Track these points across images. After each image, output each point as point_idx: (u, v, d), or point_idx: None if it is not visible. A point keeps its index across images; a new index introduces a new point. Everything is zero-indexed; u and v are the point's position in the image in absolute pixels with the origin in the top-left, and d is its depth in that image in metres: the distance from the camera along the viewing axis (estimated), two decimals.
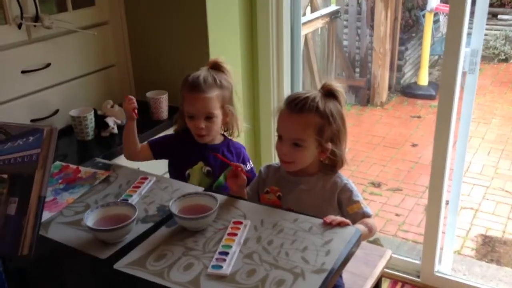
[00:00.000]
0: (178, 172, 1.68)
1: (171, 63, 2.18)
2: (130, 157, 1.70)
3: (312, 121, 1.37)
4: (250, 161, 1.71)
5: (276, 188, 1.47)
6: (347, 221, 1.27)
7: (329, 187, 1.42)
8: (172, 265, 1.15)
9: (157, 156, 1.70)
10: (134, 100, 1.61)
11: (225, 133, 1.71)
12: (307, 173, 1.45)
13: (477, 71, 2.09)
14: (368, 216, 1.39)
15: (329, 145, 1.40)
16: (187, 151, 1.67)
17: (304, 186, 1.44)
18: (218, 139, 1.69)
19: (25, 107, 1.83)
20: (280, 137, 1.42)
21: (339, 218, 1.27)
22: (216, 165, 1.65)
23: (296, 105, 1.38)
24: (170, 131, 1.84)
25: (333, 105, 1.40)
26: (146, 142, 1.71)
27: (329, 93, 1.41)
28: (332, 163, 1.44)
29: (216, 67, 1.64)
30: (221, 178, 1.63)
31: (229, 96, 1.64)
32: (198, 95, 1.57)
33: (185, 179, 1.65)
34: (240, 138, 2.39)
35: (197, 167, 1.66)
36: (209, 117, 1.59)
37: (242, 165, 1.48)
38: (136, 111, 1.62)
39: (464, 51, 1.95)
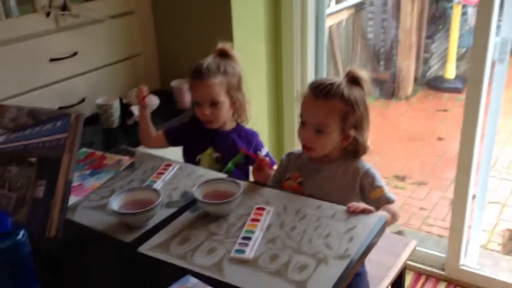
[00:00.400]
0: (189, 157, 1.70)
1: (196, 52, 2.16)
2: (145, 143, 1.73)
3: (336, 107, 1.36)
4: (264, 147, 1.71)
5: (297, 174, 1.47)
6: (371, 207, 1.26)
7: (351, 173, 1.42)
8: (196, 249, 1.16)
9: (171, 143, 1.73)
10: (145, 89, 1.65)
11: (237, 120, 1.72)
12: (329, 159, 1.44)
13: (507, 61, 2.04)
14: (391, 201, 1.38)
15: (352, 132, 1.40)
16: (198, 137, 1.69)
17: (325, 172, 1.44)
18: (229, 125, 1.69)
19: (53, 94, 1.87)
20: (303, 123, 1.42)
21: (362, 205, 1.26)
22: (226, 151, 1.66)
23: (322, 91, 1.37)
24: None
25: (357, 92, 1.39)
26: (161, 130, 1.73)
27: (353, 80, 1.40)
28: (354, 150, 1.44)
29: (223, 54, 1.65)
30: (230, 165, 1.63)
31: (236, 83, 1.64)
32: (201, 81, 1.60)
33: (196, 164, 1.66)
34: (264, 126, 2.41)
35: (207, 153, 1.68)
36: (214, 104, 1.61)
37: (265, 158, 1.47)
38: (146, 99, 1.64)
39: (494, 40, 1.90)
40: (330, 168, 1.44)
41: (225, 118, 1.66)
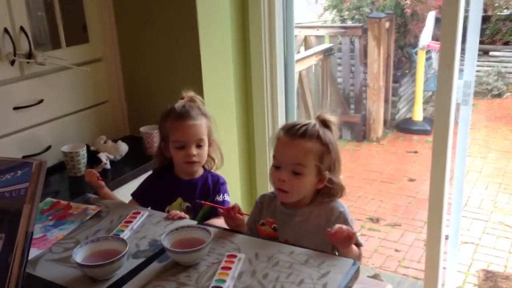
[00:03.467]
0: (157, 209, 1.63)
1: (165, 98, 2.15)
2: None
3: (314, 147, 1.36)
4: (226, 194, 1.66)
5: (271, 220, 1.43)
6: (353, 231, 1.25)
7: (324, 216, 1.40)
8: None
9: (145, 205, 1.64)
10: (93, 171, 1.61)
11: (205, 165, 1.69)
12: (302, 203, 1.42)
13: (471, 103, 2.10)
14: (361, 245, 1.37)
15: (327, 174, 1.39)
16: (165, 187, 1.64)
17: (299, 217, 1.41)
18: (198, 173, 1.66)
19: (17, 143, 1.82)
20: (277, 166, 1.39)
21: (345, 231, 1.25)
22: (193, 201, 1.60)
23: (298, 131, 1.37)
24: None
25: (330, 135, 1.40)
26: (131, 197, 1.68)
27: (324, 124, 1.41)
28: (328, 192, 1.42)
29: (193, 100, 1.66)
30: (199, 216, 1.59)
31: (211, 126, 1.65)
32: (187, 122, 1.57)
33: None
34: (236, 171, 2.38)
35: (176, 203, 1.62)
36: (200, 145, 1.59)
37: (237, 205, 1.43)
38: (99, 178, 1.60)
39: (457, 83, 1.96)
40: (304, 212, 1.41)
41: (204, 159, 1.64)
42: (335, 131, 1.43)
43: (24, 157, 1.82)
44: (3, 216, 1.15)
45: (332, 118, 1.43)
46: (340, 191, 1.42)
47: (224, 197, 1.64)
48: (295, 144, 1.37)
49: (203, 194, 1.62)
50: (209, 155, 1.67)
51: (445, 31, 1.86)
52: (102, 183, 1.61)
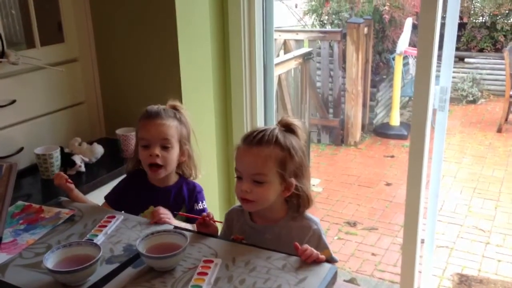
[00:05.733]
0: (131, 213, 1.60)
1: (142, 100, 2.11)
2: None
3: (272, 154, 1.29)
4: (203, 202, 1.62)
5: (240, 237, 1.37)
6: (323, 257, 1.22)
7: (296, 235, 1.33)
8: None
9: (118, 209, 1.59)
10: (62, 173, 1.57)
11: (183, 174, 1.64)
12: (272, 219, 1.36)
13: (447, 109, 2.13)
14: (335, 262, 1.32)
15: (293, 180, 1.32)
16: (138, 194, 1.60)
17: (268, 235, 1.35)
18: (172, 180, 1.61)
19: None
20: (239, 177, 1.33)
21: (315, 255, 1.22)
22: (167, 208, 1.53)
23: (254, 138, 1.31)
24: None
25: (293, 139, 1.33)
26: (104, 200, 1.64)
27: (287, 128, 1.35)
28: (299, 203, 1.35)
29: (175, 108, 1.61)
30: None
31: (187, 135, 1.60)
32: (155, 121, 1.53)
33: None
34: (214, 177, 2.36)
35: (148, 211, 1.57)
36: (165, 146, 1.53)
37: (210, 213, 1.40)
38: (68, 180, 1.56)
39: (433, 89, 1.98)
40: (272, 229, 1.35)
41: (172, 168, 1.57)
42: (301, 135, 1.36)
43: None
44: None
45: (296, 122, 1.36)
46: (307, 200, 1.35)
47: (204, 205, 1.61)
48: (252, 152, 1.30)
49: (177, 203, 1.57)
50: (185, 165, 1.61)
51: (422, 37, 1.87)
52: (72, 185, 1.57)
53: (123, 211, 1.55)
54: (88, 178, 1.84)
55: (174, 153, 1.55)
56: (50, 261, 1.17)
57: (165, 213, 1.45)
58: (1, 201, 1.12)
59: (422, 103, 1.95)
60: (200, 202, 1.60)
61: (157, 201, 1.55)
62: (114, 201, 1.62)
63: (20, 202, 1.57)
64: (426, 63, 1.89)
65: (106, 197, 1.65)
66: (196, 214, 1.52)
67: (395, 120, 5.38)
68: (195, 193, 1.61)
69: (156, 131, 1.53)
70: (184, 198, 1.59)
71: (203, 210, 1.58)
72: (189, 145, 1.61)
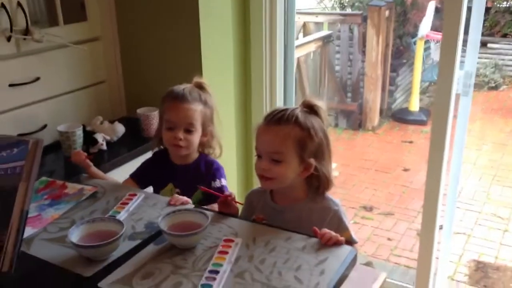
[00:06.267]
0: (154, 192, 1.64)
1: (163, 80, 2.14)
2: None
3: (291, 133, 1.29)
4: (222, 179, 1.63)
5: (261, 216, 1.38)
6: (343, 239, 1.23)
7: (316, 216, 1.33)
8: (160, 284, 1.09)
9: (143, 186, 1.64)
10: (80, 151, 1.61)
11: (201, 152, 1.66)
12: (292, 199, 1.37)
13: (471, 94, 2.09)
14: (355, 243, 1.34)
15: (312, 161, 1.31)
16: (160, 172, 1.63)
17: (289, 215, 1.36)
18: (192, 158, 1.64)
19: (12, 121, 1.79)
20: (259, 156, 1.33)
21: (334, 237, 1.22)
22: (186, 186, 1.59)
23: (274, 117, 1.31)
24: None
25: (314, 120, 1.32)
26: (129, 177, 1.66)
27: (310, 109, 1.34)
28: (319, 184, 1.35)
29: (200, 86, 1.62)
30: (191, 201, 1.58)
31: (210, 116, 1.61)
32: (181, 104, 1.55)
33: None
34: (233, 157, 2.37)
35: (167, 188, 1.61)
36: (189, 130, 1.56)
37: (232, 193, 1.41)
38: (87, 157, 1.60)
39: (457, 74, 1.95)
40: (294, 209, 1.36)
41: (194, 148, 1.61)
42: (324, 117, 1.35)
43: (19, 135, 1.79)
44: None
45: (320, 103, 1.35)
46: (326, 183, 1.35)
47: (222, 182, 1.61)
48: (271, 131, 1.30)
49: (196, 179, 1.58)
50: (208, 144, 1.64)
51: (448, 21, 1.84)
52: (89, 162, 1.60)
53: (147, 188, 1.60)
54: (110, 157, 1.86)
55: (197, 135, 1.58)
56: (75, 235, 1.19)
57: (182, 200, 1.46)
58: (27, 176, 1.14)
59: (445, 88, 1.92)
60: (218, 179, 1.61)
61: (177, 179, 1.59)
62: (140, 179, 1.65)
63: (44, 178, 1.60)
64: (451, 47, 1.86)
65: (132, 175, 1.67)
66: (214, 191, 1.53)
67: (415, 105, 5.32)
68: (212, 170, 1.62)
69: (182, 115, 1.55)
70: (202, 175, 1.61)
71: (221, 187, 1.59)
72: (212, 126, 1.62)
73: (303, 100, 1.37)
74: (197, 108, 1.56)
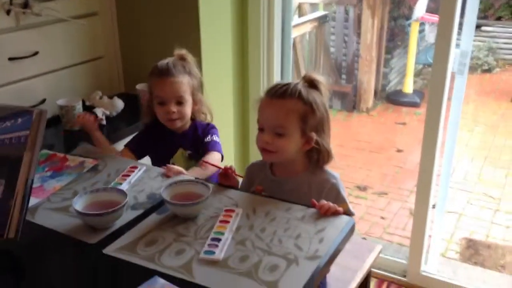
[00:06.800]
0: (156, 163, 1.68)
1: (161, 56, 2.14)
2: None
3: (295, 107, 1.32)
4: (215, 135, 1.69)
5: (260, 188, 1.42)
6: (341, 209, 1.26)
7: (315, 187, 1.37)
8: (164, 250, 1.12)
9: (139, 156, 1.70)
10: (88, 113, 1.67)
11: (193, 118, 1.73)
12: (292, 171, 1.40)
13: (466, 73, 2.11)
14: (352, 215, 1.36)
15: (313, 135, 1.34)
16: (162, 143, 1.68)
17: (289, 186, 1.39)
18: (187, 125, 1.71)
19: (11, 94, 1.79)
20: (261, 129, 1.36)
21: (332, 207, 1.25)
22: (192, 147, 1.67)
23: (277, 91, 1.34)
24: None
25: (316, 95, 1.35)
26: (124, 147, 1.70)
27: (310, 84, 1.37)
28: (319, 157, 1.39)
29: (182, 58, 1.67)
30: None
31: (198, 85, 1.67)
32: (168, 79, 1.60)
33: None
34: (230, 133, 2.38)
35: (178, 154, 1.68)
36: (180, 102, 1.62)
37: (232, 166, 1.44)
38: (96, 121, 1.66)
39: (453, 53, 1.96)
40: (293, 181, 1.39)
41: (188, 117, 1.67)
42: (324, 92, 1.37)
43: None
44: (3, 163, 1.16)
45: (321, 78, 1.38)
46: (327, 155, 1.38)
47: (213, 138, 1.67)
48: (275, 104, 1.33)
49: (195, 143, 1.67)
50: (199, 112, 1.70)
51: (445, 1, 1.85)
52: (96, 125, 1.66)
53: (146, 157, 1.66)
54: (109, 131, 1.87)
55: (188, 105, 1.65)
56: (79, 204, 1.22)
57: (178, 170, 1.49)
58: (32, 146, 1.15)
59: (441, 69, 1.94)
60: (210, 135, 1.68)
61: (182, 143, 1.67)
62: (136, 148, 1.69)
63: (44, 151, 1.61)
64: (448, 27, 1.87)
65: (127, 145, 1.71)
66: (205, 146, 1.62)
67: (409, 87, 5.34)
68: (207, 129, 1.70)
69: (170, 89, 1.60)
70: (200, 137, 1.68)
71: (211, 142, 1.65)
72: (200, 94, 1.69)
73: (304, 75, 1.39)
74: (183, 80, 1.62)
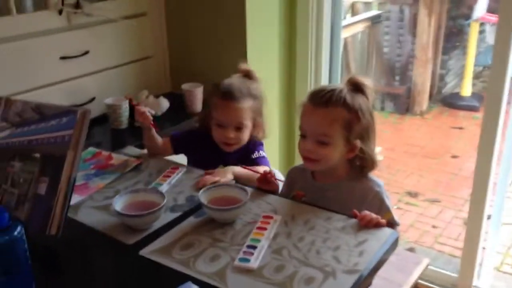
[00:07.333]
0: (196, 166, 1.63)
1: (208, 56, 2.16)
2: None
3: (339, 116, 1.27)
4: (261, 151, 1.61)
5: (301, 193, 1.38)
6: (384, 221, 1.20)
7: (358, 195, 1.32)
8: (199, 255, 1.11)
9: (176, 151, 1.66)
10: (147, 114, 1.58)
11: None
12: (334, 177, 1.35)
13: None
14: (397, 225, 1.31)
15: (358, 143, 1.30)
16: (207, 152, 1.61)
17: (330, 192, 1.35)
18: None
19: (62, 93, 1.85)
20: (303, 136, 1.32)
21: (374, 219, 1.20)
22: (238, 164, 1.55)
23: (321, 98, 1.28)
24: None
25: (361, 100, 1.30)
26: (168, 137, 1.66)
27: (356, 88, 1.31)
28: (362, 164, 1.34)
29: (248, 75, 1.59)
30: None
31: (260, 108, 1.59)
32: (231, 103, 1.52)
33: None
34: (275, 137, 2.36)
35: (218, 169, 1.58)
36: (239, 128, 1.54)
37: (272, 170, 1.41)
38: (151, 124, 1.59)
39: None
40: (335, 187, 1.35)
41: (245, 142, 1.59)
42: (370, 95, 1.32)
43: None
44: (47, 161, 1.18)
45: (367, 81, 1.32)
46: (371, 164, 1.33)
47: (260, 154, 1.60)
48: (319, 113, 1.28)
49: (241, 160, 1.57)
50: (256, 133, 1.62)
51: (504, 1, 1.74)
52: (152, 126, 1.60)
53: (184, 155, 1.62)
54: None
55: (247, 131, 1.57)
56: (118, 204, 1.23)
57: (213, 180, 1.42)
58: (75, 145, 1.17)
59: (500, 72, 1.83)
60: (256, 151, 1.60)
61: (226, 162, 1.55)
62: (178, 145, 1.66)
63: (91, 148, 1.64)
64: (507, 28, 1.76)
65: (172, 137, 1.66)
66: (252, 162, 1.53)
67: (467, 90, 5.11)
68: (255, 145, 1.62)
69: (232, 115, 1.53)
70: (246, 154, 1.61)
71: (259, 158, 1.58)
72: (261, 117, 1.60)
73: (349, 78, 1.33)
74: (247, 106, 1.53)
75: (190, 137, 1.67)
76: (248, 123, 1.56)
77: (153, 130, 1.61)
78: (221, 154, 1.60)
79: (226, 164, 1.53)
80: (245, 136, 1.57)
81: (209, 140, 1.61)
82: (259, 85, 1.59)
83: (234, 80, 1.55)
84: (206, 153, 1.63)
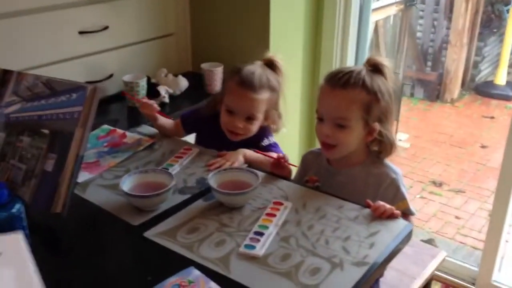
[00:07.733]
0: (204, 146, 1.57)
1: (230, 37, 2.11)
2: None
3: (358, 98, 1.22)
4: (271, 137, 1.54)
5: (314, 178, 1.34)
6: (398, 212, 1.15)
7: (372, 182, 1.28)
8: (204, 240, 1.09)
9: (187, 132, 1.63)
10: (153, 105, 1.54)
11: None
12: (350, 162, 1.30)
13: None
14: (412, 215, 1.26)
15: (377, 125, 1.25)
16: (215, 137, 1.54)
17: (343, 177, 1.30)
18: None
19: (80, 68, 1.83)
20: (320, 119, 1.27)
21: (389, 210, 1.15)
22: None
23: (339, 80, 1.23)
24: None
25: (380, 81, 1.25)
26: (178, 119, 1.62)
27: (375, 68, 1.26)
28: (380, 149, 1.29)
29: (271, 65, 1.50)
30: None
31: (276, 101, 1.50)
32: (247, 93, 1.43)
33: None
34: (295, 127, 2.30)
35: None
36: (250, 118, 1.47)
37: (286, 155, 1.35)
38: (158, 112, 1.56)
39: None
40: (349, 173, 1.30)
41: (252, 134, 1.51)
42: (389, 76, 1.27)
43: (87, 83, 1.83)
44: (56, 137, 1.17)
45: (385, 62, 1.27)
46: (390, 147, 1.28)
47: (270, 140, 1.53)
48: (336, 95, 1.23)
49: (248, 147, 1.50)
50: (268, 124, 1.54)
51: None
52: (158, 116, 1.57)
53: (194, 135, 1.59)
54: (171, 110, 1.87)
55: (257, 123, 1.50)
56: (126, 184, 1.21)
57: (229, 160, 1.39)
58: (84, 123, 1.15)
59: None
60: (265, 138, 1.53)
61: (231, 146, 1.50)
62: (189, 127, 1.62)
63: (105, 126, 1.63)
64: None
65: (182, 119, 1.62)
66: (263, 149, 1.47)
67: (501, 78, 4.92)
68: (264, 132, 1.55)
69: (245, 104, 1.46)
70: (255, 141, 1.53)
71: (270, 145, 1.52)
72: (276, 111, 1.52)
73: (368, 59, 1.29)
74: (263, 98, 1.45)
75: (199, 117, 1.61)
76: (260, 116, 1.48)
77: (161, 120, 1.58)
78: (225, 141, 1.52)
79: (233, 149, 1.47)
80: (254, 128, 1.49)
81: (215, 125, 1.54)
82: (280, 77, 1.51)
83: (256, 68, 1.47)
84: (210, 138, 1.56)
